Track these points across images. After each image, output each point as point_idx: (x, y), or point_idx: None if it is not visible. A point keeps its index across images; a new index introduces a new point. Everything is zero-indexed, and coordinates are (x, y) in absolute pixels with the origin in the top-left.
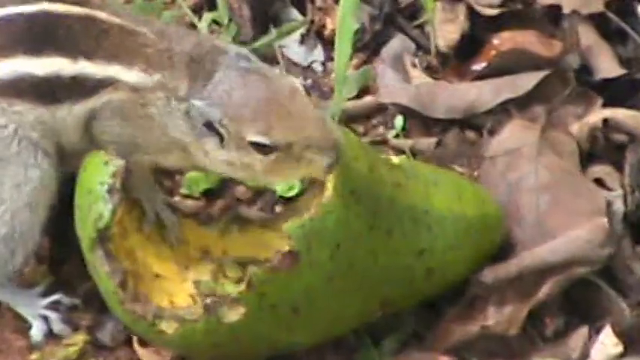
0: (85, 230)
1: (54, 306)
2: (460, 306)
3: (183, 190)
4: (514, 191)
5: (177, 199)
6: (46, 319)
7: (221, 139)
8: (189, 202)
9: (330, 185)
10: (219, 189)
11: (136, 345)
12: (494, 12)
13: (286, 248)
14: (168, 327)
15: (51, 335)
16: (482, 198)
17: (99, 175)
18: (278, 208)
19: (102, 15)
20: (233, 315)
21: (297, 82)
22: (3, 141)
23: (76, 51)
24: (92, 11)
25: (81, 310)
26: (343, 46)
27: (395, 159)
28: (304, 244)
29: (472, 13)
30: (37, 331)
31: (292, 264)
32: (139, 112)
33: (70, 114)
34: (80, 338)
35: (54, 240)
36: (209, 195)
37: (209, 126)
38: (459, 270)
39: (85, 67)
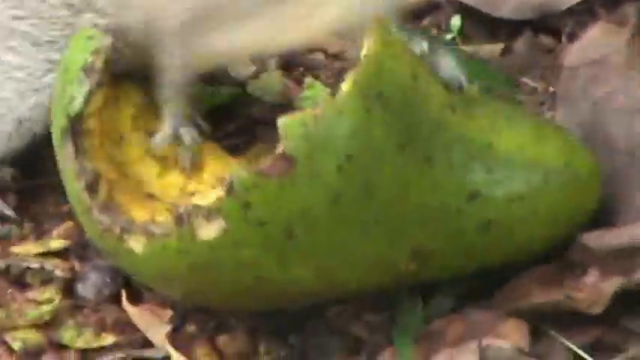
0: (56, 118)
1: None
2: (542, 270)
3: None
4: (600, 112)
5: None
6: None
7: None
8: None
9: (348, 80)
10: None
11: (124, 302)
12: None
13: (280, 150)
14: (137, 243)
15: None
16: (571, 146)
17: (79, 52)
18: None
19: None
20: (211, 230)
21: None
22: None
23: None
24: None
25: (53, 256)
26: None
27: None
28: (304, 147)
29: None
30: None
31: (286, 171)
32: None
33: None
34: (55, 293)
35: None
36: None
37: None
38: (534, 233)
39: None
